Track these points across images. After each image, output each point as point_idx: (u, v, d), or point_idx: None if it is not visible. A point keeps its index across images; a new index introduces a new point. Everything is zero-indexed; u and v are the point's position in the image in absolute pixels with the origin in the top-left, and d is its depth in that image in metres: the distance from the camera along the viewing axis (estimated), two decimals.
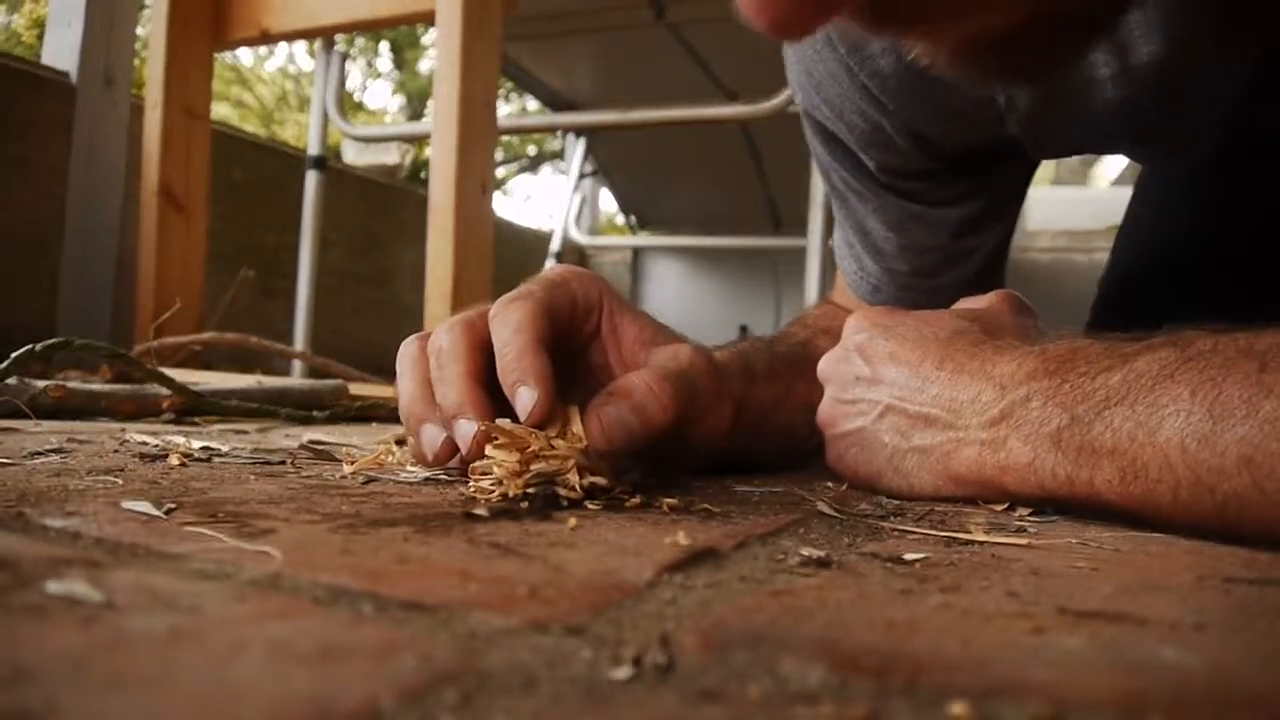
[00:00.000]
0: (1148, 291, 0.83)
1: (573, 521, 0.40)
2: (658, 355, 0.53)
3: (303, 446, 0.63)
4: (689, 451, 0.55)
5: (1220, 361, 0.41)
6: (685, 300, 3.98)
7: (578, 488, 0.44)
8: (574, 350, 0.55)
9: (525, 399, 0.45)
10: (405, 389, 0.51)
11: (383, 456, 0.55)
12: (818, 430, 0.60)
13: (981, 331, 0.53)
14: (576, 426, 0.46)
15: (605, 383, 0.54)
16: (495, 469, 0.45)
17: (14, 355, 0.73)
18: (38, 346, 0.74)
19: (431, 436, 0.49)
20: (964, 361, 0.50)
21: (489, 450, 0.45)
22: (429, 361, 0.50)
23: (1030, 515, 0.47)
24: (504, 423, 0.46)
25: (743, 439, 0.59)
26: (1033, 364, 0.47)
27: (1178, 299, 0.80)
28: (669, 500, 0.46)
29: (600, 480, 0.45)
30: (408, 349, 0.53)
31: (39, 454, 0.52)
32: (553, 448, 0.45)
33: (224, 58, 6.30)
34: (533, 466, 0.45)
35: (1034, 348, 0.48)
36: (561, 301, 0.52)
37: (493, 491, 0.45)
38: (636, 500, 0.46)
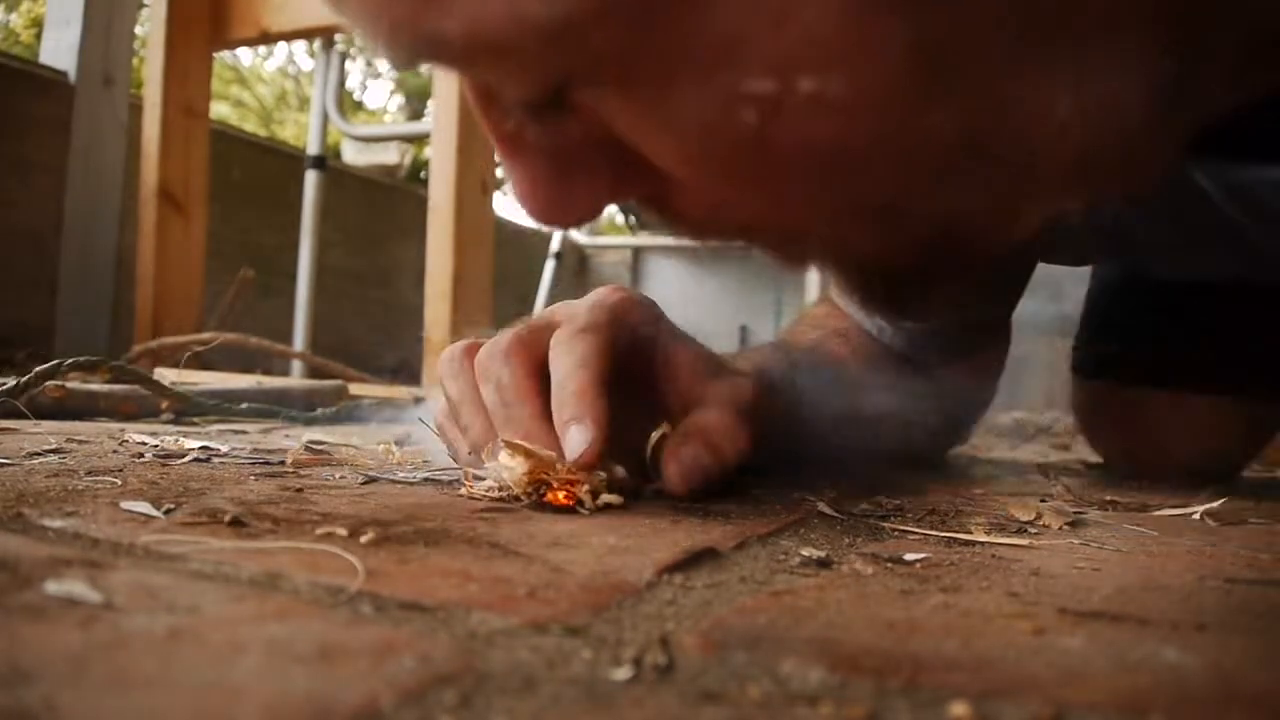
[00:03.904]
0: (1133, 301, 0.82)
1: (573, 522, 0.40)
2: (719, 389, 0.51)
3: (304, 447, 0.63)
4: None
5: None
6: (685, 300, 3.98)
7: (590, 504, 0.43)
8: (624, 381, 0.52)
9: (577, 440, 0.43)
10: (471, 425, 0.49)
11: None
12: (826, 437, 0.60)
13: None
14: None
15: (654, 416, 0.52)
16: (505, 472, 0.44)
17: (38, 370, 0.73)
18: (65, 363, 0.74)
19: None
20: None
21: (501, 456, 0.44)
22: (483, 386, 0.48)
23: (1036, 520, 0.47)
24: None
25: (762, 453, 0.58)
26: None
27: (1163, 306, 0.79)
28: (669, 500, 0.46)
29: (614, 499, 0.44)
30: (455, 369, 0.50)
31: (38, 454, 0.52)
32: (573, 473, 0.43)
33: (223, 57, 6.29)
34: (543, 477, 0.44)
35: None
36: (624, 335, 0.50)
37: (497, 492, 0.44)
38: (637, 501, 0.46)
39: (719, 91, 0.25)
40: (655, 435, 0.47)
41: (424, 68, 0.28)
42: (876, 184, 0.28)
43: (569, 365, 0.46)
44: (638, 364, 0.52)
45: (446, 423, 0.52)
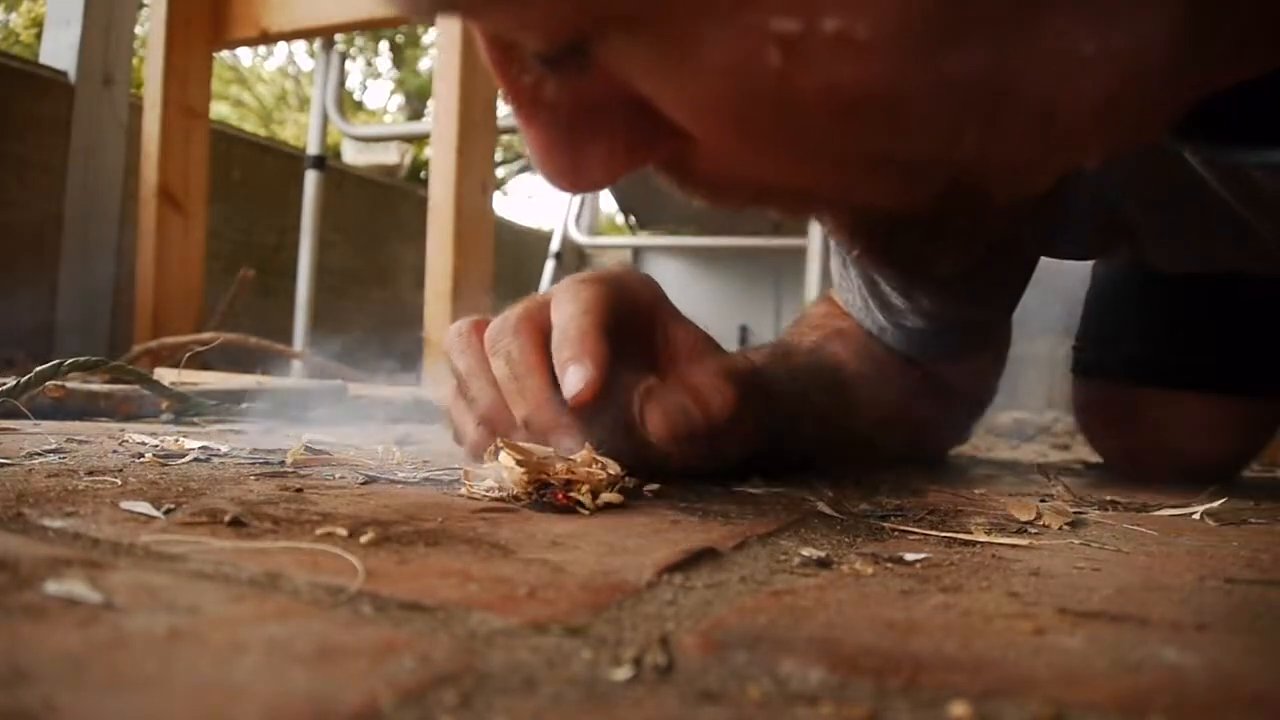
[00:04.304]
0: (1134, 301, 0.82)
1: (573, 522, 0.40)
2: (712, 361, 0.53)
3: (304, 447, 0.63)
4: (706, 459, 0.54)
5: None
6: (685, 300, 3.93)
7: (590, 505, 0.43)
8: (622, 353, 0.52)
9: (575, 378, 0.44)
10: (481, 396, 0.49)
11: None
12: (826, 437, 0.60)
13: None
14: (599, 465, 0.45)
15: None
16: (505, 472, 0.44)
17: (38, 370, 0.73)
18: (65, 363, 0.74)
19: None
20: None
21: (502, 458, 0.44)
22: (493, 360, 0.48)
23: (1036, 520, 0.47)
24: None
25: (764, 453, 0.58)
26: None
27: (1163, 306, 0.79)
28: (669, 500, 0.46)
29: (615, 498, 0.44)
30: (464, 343, 0.51)
31: (38, 454, 0.52)
32: (573, 473, 0.44)
33: (223, 57, 6.29)
34: (543, 477, 0.44)
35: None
36: (625, 299, 0.50)
37: (497, 492, 0.44)
38: (637, 501, 0.46)
39: (741, 36, 0.25)
40: (642, 388, 0.47)
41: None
42: (900, 130, 0.27)
43: (570, 310, 0.47)
44: (638, 339, 0.52)
45: (454, 402, 0.52)
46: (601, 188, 0.32)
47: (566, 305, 0.47)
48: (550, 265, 3.22)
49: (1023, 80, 0.26)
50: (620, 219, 4.57)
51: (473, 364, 0.50)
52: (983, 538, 0.41)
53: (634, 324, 0.52)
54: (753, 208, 0.33)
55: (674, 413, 0.46)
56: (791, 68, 0.25)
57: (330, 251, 2.59)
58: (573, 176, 0.30)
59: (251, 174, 2.54)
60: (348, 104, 6.33)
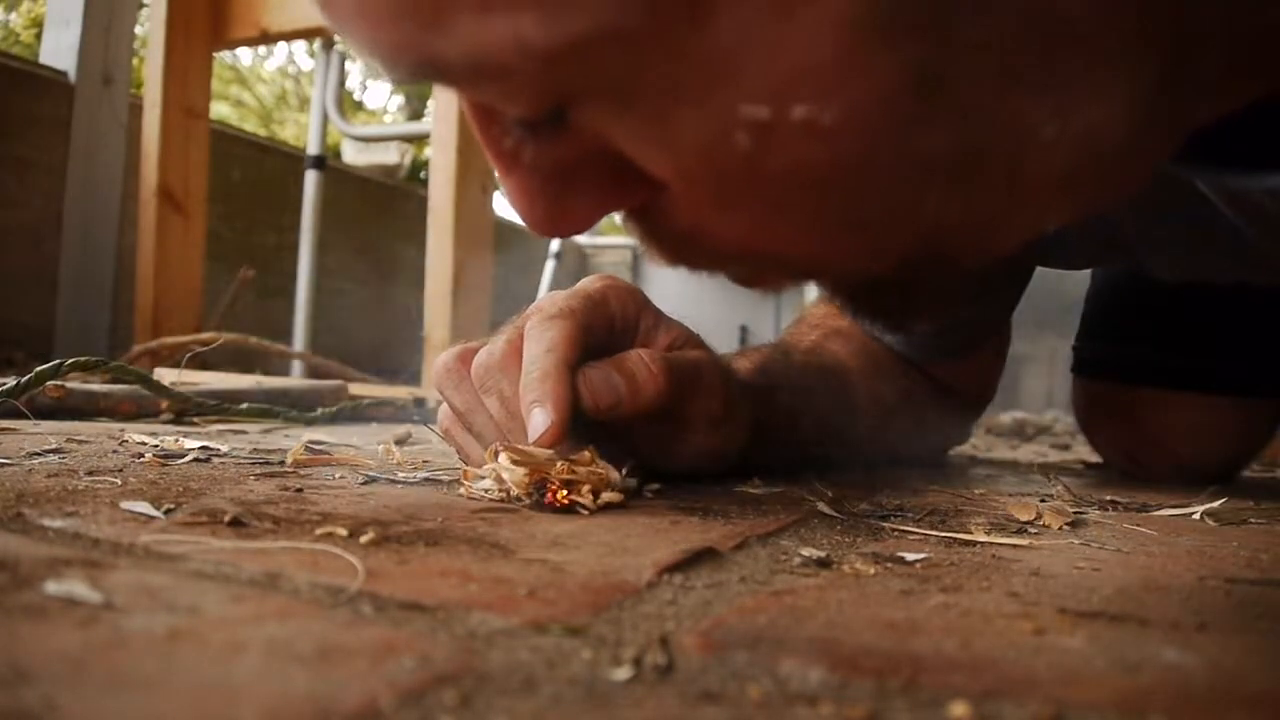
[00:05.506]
0: (1133, 301, 0.82)
1: (573, 522, 0.40)
2: (654, 348, 0.53)
3: (304, 447, 0.63)
4: (701, 457, 0.54)
5: None
6: (685, 300, 3.96)
7: (590, 505, 0.43)
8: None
9: (538, 422, 0.45)
10: (486, 430, 0.50)
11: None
12: (826, 437, 0.59)
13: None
14: (599, 466, 0.46)
15: None
16: (505, 473, 0.44)
17: (38, 370, 0.73)
18: (65, 363, 0.74)
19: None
20: None
21: (502, 458, 0.44)
22: (485, 398, 0.50)
23: (1036, 520, 0.47)
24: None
25: (764, 453, 0.58)
26: None
27: (1163, 306, 0.79)
28: (669, 500, 0.46)
29: (615, 498, 0.44)
30: (455, 379, 0.52)
31: (38, 454, 0.52)
32: (574, 473, 0.44)
33: (223, 57, 6.29)
34: (543, 477, 0.44)
35: None
36: (600, 321, 0.51)
37: (497, 492, 0.44)
38: (637, 501, 0.46)
39: (715, 114, 0.26)
40: (580, 370, 0.48)
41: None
42: (865, 203, 0.28)
43: (535, 351, 0.48)
44: (620, 349, 0.53)
45: (454, 428, 0.53)
46: (581, 232, 0.33)
47: (531, 345, 0.49)
48: (550, 265, 3.22)
49: (986, 160, 0.27)
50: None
51: (469, 401, 0.51)
52: (983, 538, 0.41)
53: (620, 339, 0.53)
54: (720, 271, 0.34)
55: (596, 381, 0.48)
56: (761, 145, 0.26)
57: (330, 251, 2.59)
58: (552, 224, 0.32)
59: (251, 174, 2.54)
60: (348, 104, 6.33)
